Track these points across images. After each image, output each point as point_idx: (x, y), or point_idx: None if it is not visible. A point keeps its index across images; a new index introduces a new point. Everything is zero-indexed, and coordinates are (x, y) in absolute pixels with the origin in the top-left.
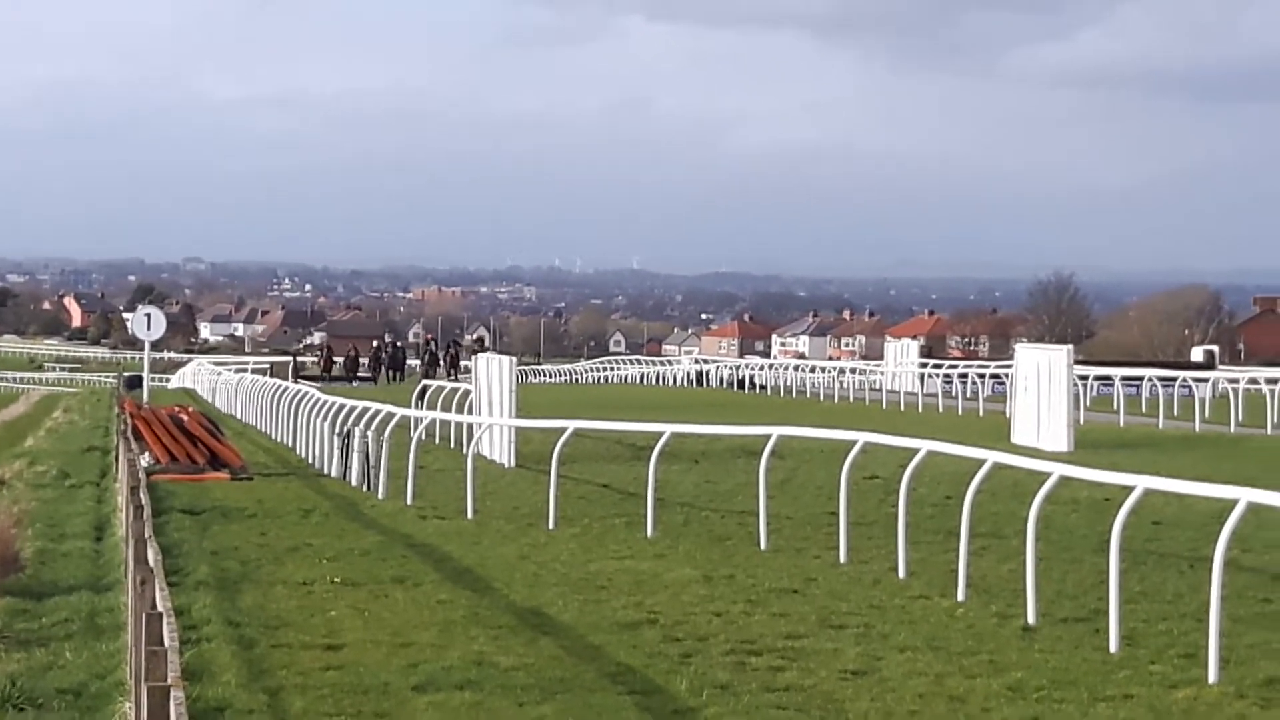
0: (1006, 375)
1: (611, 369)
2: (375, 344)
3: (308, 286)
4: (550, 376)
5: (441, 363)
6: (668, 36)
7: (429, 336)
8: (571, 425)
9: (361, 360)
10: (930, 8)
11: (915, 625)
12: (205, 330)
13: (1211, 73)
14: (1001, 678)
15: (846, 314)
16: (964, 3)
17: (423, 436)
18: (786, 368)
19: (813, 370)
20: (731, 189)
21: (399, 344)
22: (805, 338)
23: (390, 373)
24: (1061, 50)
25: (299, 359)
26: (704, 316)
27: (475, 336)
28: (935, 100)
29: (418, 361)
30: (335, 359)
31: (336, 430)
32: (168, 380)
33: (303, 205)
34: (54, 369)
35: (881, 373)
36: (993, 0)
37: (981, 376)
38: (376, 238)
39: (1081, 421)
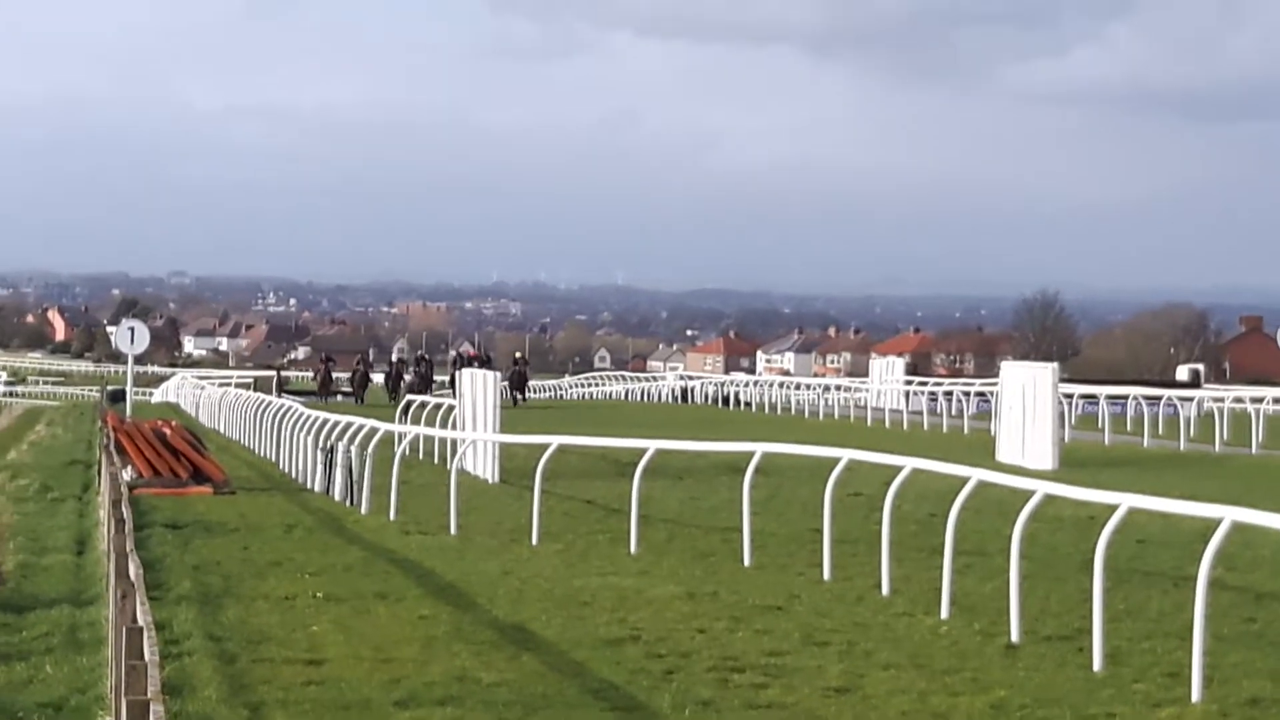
0: (992, 393)
1: (596, 385)
2: (396, 359)
3: (292, 301)
4: (534, 392)
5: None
6: (657, 51)
7: (472, 353)
8: (555, 441)
9: (372, 378)
10: (921, 24)
11: (899, 643)
12: (189, 344)
13: (1200, 92)
14: (985, 696)
15: (832, 331)
16: (955, 19)
17: (406, 452)
18: (771, 384)
19: (798, 387)
20: (718, 205)
21: (428, 359)
22: (791, 354)
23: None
24: (1052, 68)
25: (283, 373)
26: (689, 333)
27: (516, 355)
28: (924, 117)
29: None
30: (335, 375)
31: (320, 445)
32: (151, 394)
33: (288, 219)
34: (37, 382)
35: (867, 390)
36: (984, 17)
37: (967, 394)
38: (361, 252)
39: (1066, 440)
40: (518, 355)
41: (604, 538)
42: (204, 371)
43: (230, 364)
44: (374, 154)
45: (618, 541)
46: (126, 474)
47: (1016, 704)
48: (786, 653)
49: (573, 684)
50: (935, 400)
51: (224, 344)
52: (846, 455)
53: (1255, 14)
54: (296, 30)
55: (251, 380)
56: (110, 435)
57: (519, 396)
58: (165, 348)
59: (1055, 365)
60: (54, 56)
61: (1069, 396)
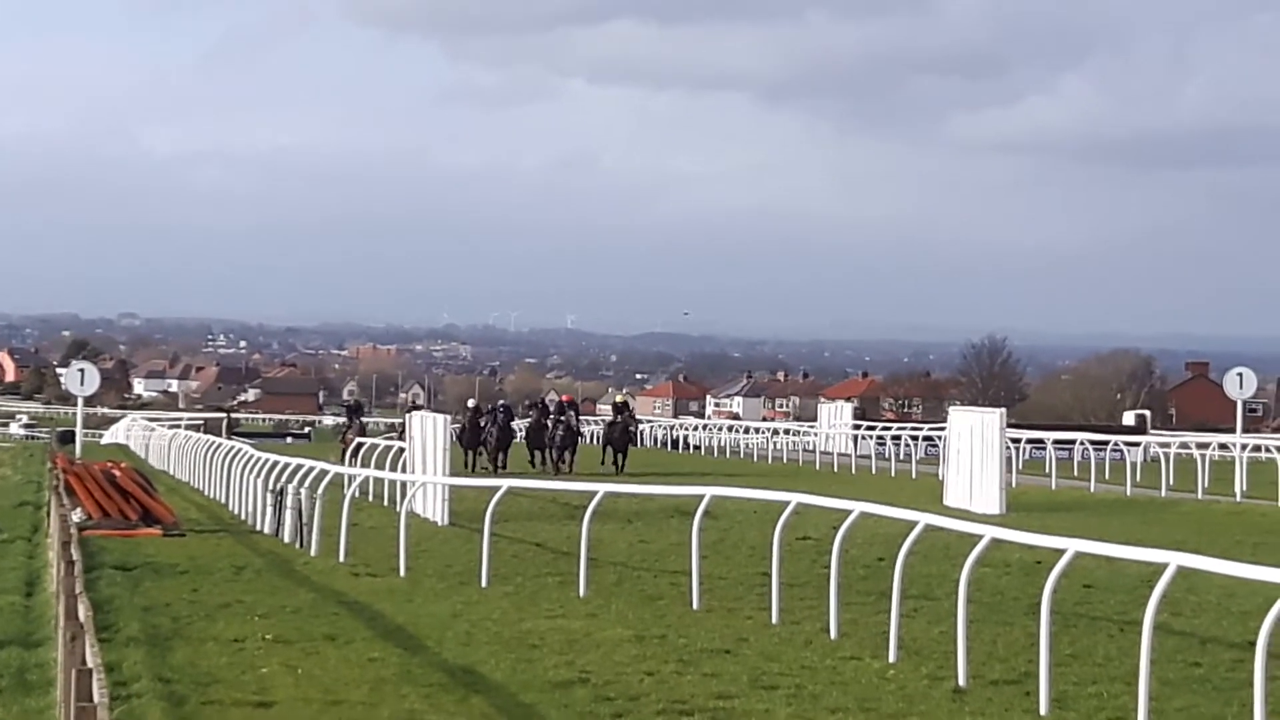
0: (939, 437)
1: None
2: (529, 404)
3: (242, 343)
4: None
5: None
6: (611, 98)
7: (567, 398)
8: (505, 484)
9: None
10: (872, 73)
11: (846, 686)
12: (139, 386)
13: (1150, 140)
14: None
15: (781, 375)
16: (907, 68)
17: (356, 494)
18: (720, 428)
19: (747, 431)
20: (668, 249)
21: (507, 406)
22: (740, 398)
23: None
24: (1003, 117)
25: (233, 415)
26: (639, 376)
27: (617, 400)
28: (874, 164)
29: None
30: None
31: (270, 487)
32: (101, 436)
33: (238, 261)
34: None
35: (815, 434)
36: (936, 66)
37: (915, 439)
38: (312, 295)
39: (1014, 484)
40: (618, 400)
41: (553, 580)
42: (154, 413)
43: (180, 406)
44: (326, 197)
45: (567, 584)
46: (76, 515)
47: None
48: (735, 696)
49: None
50: (883, 444)
51: (174, 386)
52: (795, 499)
53: (1205, 64)
54: (252, 75)
55: (201, 422)
56: (60, 477)
57: (620, 459)
58: (115, 389)
59: (1002, 410)
60: (7, 99)
61: (1016, 441)
